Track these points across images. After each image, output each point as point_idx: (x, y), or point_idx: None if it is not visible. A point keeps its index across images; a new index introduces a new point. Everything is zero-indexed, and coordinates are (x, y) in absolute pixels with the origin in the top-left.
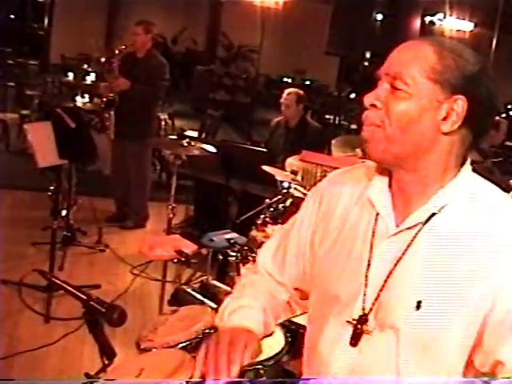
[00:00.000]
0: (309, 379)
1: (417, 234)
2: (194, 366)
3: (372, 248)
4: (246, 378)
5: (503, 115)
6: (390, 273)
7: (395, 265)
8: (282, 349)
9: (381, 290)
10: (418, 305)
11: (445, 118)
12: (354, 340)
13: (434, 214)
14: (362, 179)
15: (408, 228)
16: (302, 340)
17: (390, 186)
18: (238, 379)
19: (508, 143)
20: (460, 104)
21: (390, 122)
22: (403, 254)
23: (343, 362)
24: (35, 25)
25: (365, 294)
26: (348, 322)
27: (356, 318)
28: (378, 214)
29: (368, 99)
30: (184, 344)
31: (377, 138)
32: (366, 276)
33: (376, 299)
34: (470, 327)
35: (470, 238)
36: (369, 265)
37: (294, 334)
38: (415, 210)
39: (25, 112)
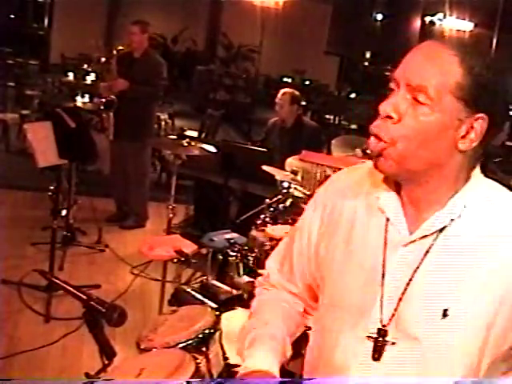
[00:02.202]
0: (309, 379)
1: (434, 240)
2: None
3: (385, 257)
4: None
5: None
6: (409, 282)
7: (413, 274)
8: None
9: (400, 301)
10: (445, 313)
11: (464, 137)
12: (377, 354)
13: (450, 220)
14: (366, 183)
15: (423, 236)
16: (302, 340)
17: (397, 190)
18: (238, 379)
19: (508, 143)
20: (480, 123)
21: (406, 139)
22: (421, 262)
23: (364, 374)
24: (35, 25)
25: (381, 306)
26: (368, 337)
27: (375, 331)
28: (387, 221)
29: (385, 109)
30: (184, 344)
31: (390, 156)
32: (382, 287)
33: (396, 310)
34: (496, 328)
35: (490, 240)
36: (383, 275)
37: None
38: (429, 217)
39: (25, 112)
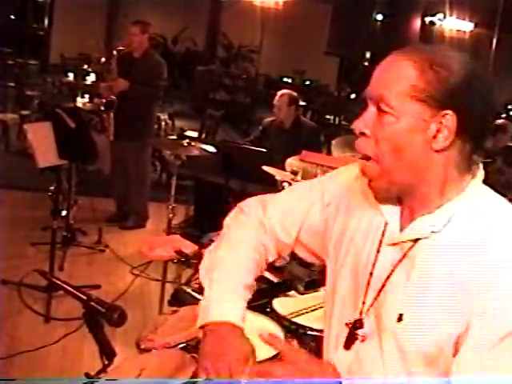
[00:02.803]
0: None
1: (412, 245)
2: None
3: (377, 255)
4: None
5: (503, 115)
6: (385, 281)
7: (389, 274)
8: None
9: (376, 297)
10: (400, 317)
11: (435, 136)
12: (348, 343)
13: (432, 232)
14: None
15: (404, 241)
16: (302, 340)
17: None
18: (237, 379)
19: (510, 144)
20: (449, 119)
21: (381, 151)
22: (397, 264)
23: (341, 363)
24: (35, 25)
25: (365, 299)
26: (346, 324)
27: (352, 321)
28: (386, 224)
29: (357, 127)
30: (184, 344)
31: (376, 175)
32: (368, 282)
33: (371, 305)
34: (449, 342)
35: (466, 253)
36: (371, 272)
37: (294, 334)
38: (416, 221)
39: (25, 112)
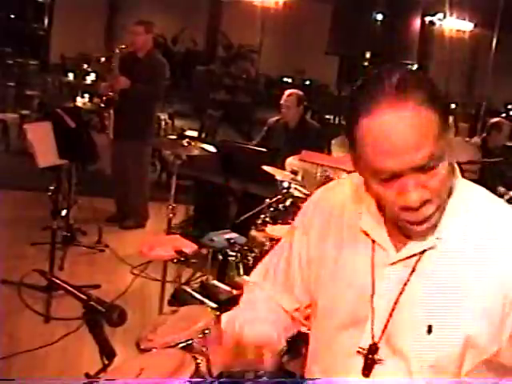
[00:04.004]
0: (310, 379)
1: (419, 258)
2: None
3: (374, 275)
4: (246, 377)
5: (503, 115)
6: (397, 299)
7: (401, 291)
8: (282, 349)
9: (389, 318)
10: (430, 329)
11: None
12: (367, 370)
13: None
14: (348, 202)
15: (410, 256)
16: (302, 340)
17: (378, 208)
18: (237, 379)
19: (508, 143)
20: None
21: (437, 195)
22: (408, 279)
23: None
24: (35, 25)
25: (373, 323)
26: (358, 352)
27: (365, 346)
28: (373, 241)
29: (415, 201)
30: (184, 344)
31: (431, 214)
32: (372, 304)
33: (385, 327)
34: (483, 334)
35: (471, 255)
36: (373, 290)
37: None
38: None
39: (25, 112)
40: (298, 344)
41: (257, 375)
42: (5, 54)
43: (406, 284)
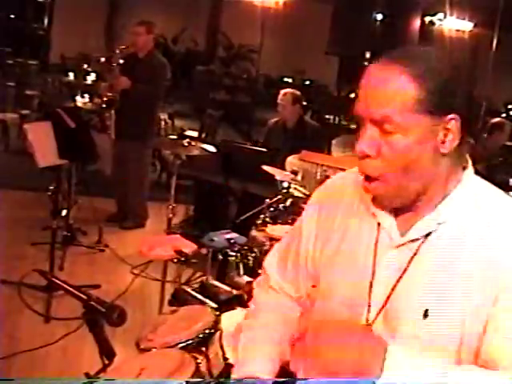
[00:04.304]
0: (309, 379)
1: (422, 243)
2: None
3: (376, 258)
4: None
5: (503, 115)
6: (397, 282)
7: (401, 275)
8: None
9: (387, 300)
10: (426, 313)
11: (443, 141)
12: None
13: (438, 224)
14: (359, 186)
15: (413, 240)
16: None
17: None
18: (238, 379)
19: (508, 143)
20: (454, 123)
21: (391, 171)
22: (409, 263)
23: None
24: (35, 25)
25: (369, 305)
26: None
27: None
28: (379, 224)
29: (360, 149)
30: (184, 344)
31: (386, 194)
32: (371, 286)
33: (382, 309)
34: (473, 330)
35: (472, 242)
36: (373, 275)
37: None
38: (419, 220)
39: (25, 112)
40: None
41: None
42: (5, 54)
43: (406, 269)
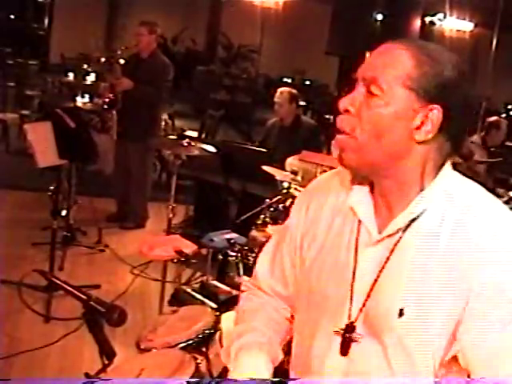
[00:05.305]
0: (308, 379)
1: (399, 240)
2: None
3: (357, 256)
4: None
5: (503, 115)
6: (375, 280)
7: (379, 272)
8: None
9: (367, 298)
10: (401, 312)
11: (419, 127)
12: (344, 349)
13: (413, 220)
14: (346, 185)
15: (390, 235)
16: None
17: (372, 192)
18: (238, 379)
19: (508, 143)
20: (435, 114)
21: (362, 130)
22: (386, 261)
23: (335, 371)
24: (35, 25)
25: (351, 303)
26: (336, 332)
27: (343, 327)
28: (360, 222)
29: (343, 104)
30: (184, 344)
31: (349, 148)
32: (352, 284)
33: (363, 307)
34: (449, 327)
35: (448, 239)
36: (354, 273)
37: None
38: (397, 216)
39: (25, 112)
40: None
41: None
42: (5, 54)
43: (383, 266)
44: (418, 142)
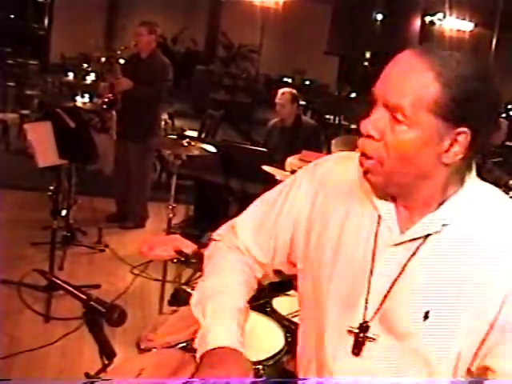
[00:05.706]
0: (309, 379)
1: (423, 243)
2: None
3: (375, 254)
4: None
5: (503, 115)
6: (395, 280)
7: (400, 273)
8: (282, 349)
9: (385, 298)
10: (426, 315)
11: (447, 150)
12: (357, 349)
13: (443, 226)
14: (361, 178)
15: (412, 239)
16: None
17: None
18: (237, 379)
19: (508, 143)
20: (464, 137)
21: (389, 157)
22: (408, 261)
23: (347, 370)
24: (35, 25)
25: (367, 302)
26: (349, 331)
27: (357, 325)
28: (380, 218)
29: (365, 128)
30: (184, 344)
31: (376, 172)
32: (369, 283)
33: (381, 306)
34: (473, 336)
35: (475, 246)
36: (371, 271)
37: (294, 334)
38: (420, 219)
39: (25, 112)
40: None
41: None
42: (5, 54)
43: (404, 267)
44: (446, 164)
